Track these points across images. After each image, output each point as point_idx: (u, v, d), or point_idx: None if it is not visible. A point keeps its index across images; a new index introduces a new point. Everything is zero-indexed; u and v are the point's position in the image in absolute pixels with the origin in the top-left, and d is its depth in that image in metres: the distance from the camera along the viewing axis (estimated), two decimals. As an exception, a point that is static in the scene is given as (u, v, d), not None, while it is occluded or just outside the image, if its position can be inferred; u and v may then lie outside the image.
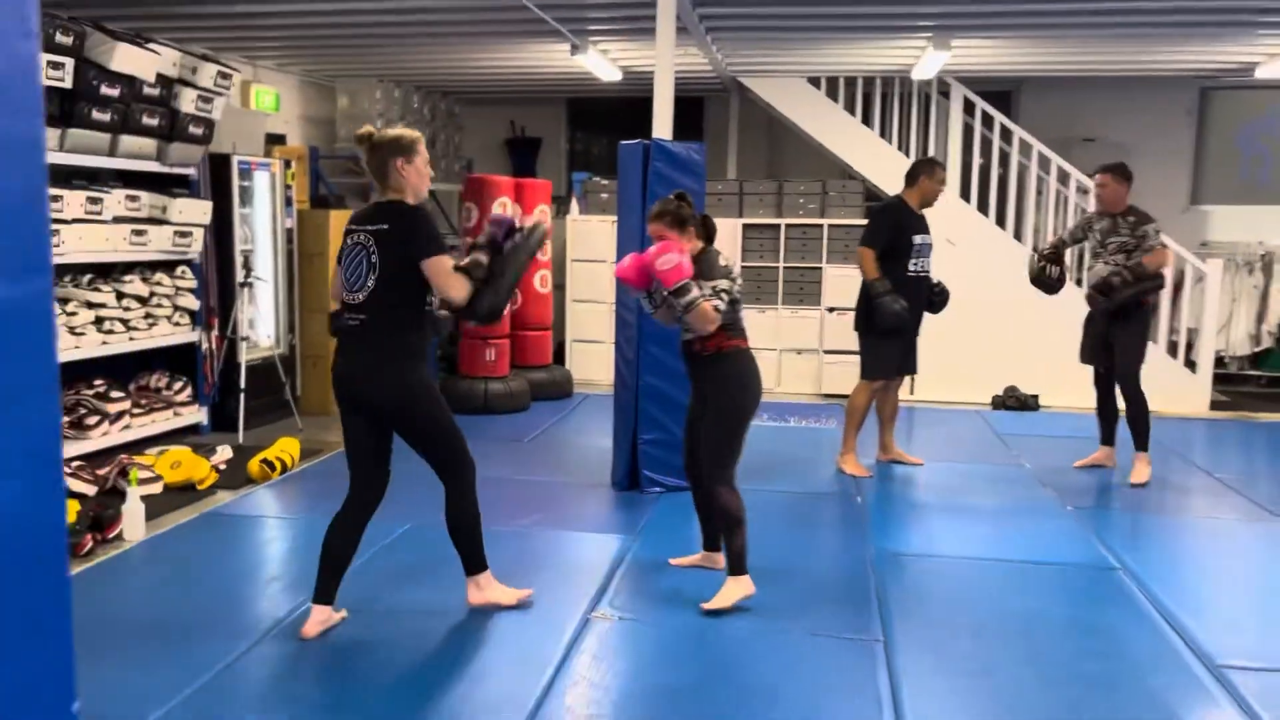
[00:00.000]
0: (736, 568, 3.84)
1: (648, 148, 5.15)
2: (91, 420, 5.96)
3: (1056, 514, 5.32)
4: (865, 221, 6.17)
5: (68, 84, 5.45)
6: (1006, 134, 8.81)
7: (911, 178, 5.97)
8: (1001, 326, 8.38)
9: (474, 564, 3.74)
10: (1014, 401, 8.35)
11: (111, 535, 4.58)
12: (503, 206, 7.73)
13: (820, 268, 8.77)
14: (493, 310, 3.53)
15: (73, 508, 4.92)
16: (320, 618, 3.56)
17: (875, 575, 4.28)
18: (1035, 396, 8.37)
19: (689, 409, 4.14)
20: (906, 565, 4.47)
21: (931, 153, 8.88)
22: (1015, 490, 5.78)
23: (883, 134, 8.88)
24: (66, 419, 5.98)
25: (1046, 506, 5.45)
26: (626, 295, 5.42)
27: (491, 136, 11.29)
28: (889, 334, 5.83)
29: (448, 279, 3.44)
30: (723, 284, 3.79)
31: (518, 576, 4.06)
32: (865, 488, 5.72)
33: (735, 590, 3.82)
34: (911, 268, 5.83)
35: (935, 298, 6.03)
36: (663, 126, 5.39)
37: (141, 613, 3.82)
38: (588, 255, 8.87)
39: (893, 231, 5.81)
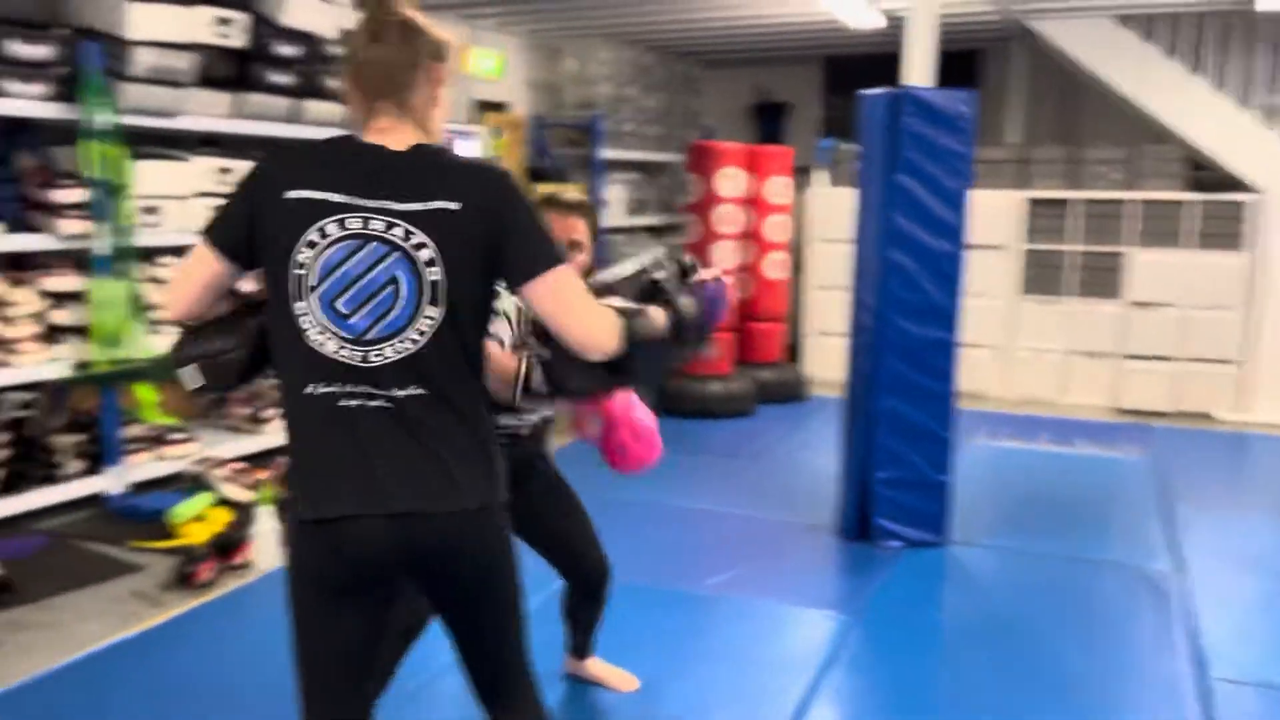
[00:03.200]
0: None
1: (897, 98, 3.91)
2: (268, 413, 5.48)
3: None
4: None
5: (240, 43, 4.90)
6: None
7: None
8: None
9: None
10: (1390, 432, 6.40)
11: (239, 562, 3.97)
12: (731, 180, 6.68)
13: (1120, 252, 7.10)
14: (636, 380, 2.04)
15: (221, 519, 4.39)
16: None
17: (1210, 721, 2.91)
18: None
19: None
20: (1263, 709, 3.04)
21: (1283, 107, 6.97)
22: None
23: (1218, 86, 7.06)
24: (246, 411, 5.55)
25: None
26: (864, 287, 4.25)
27: (736, 101, 10.23)
28: None
29: (589, 307, 1.77)
30: None
31: (682, 675, 3.03)
32: (1180, 556, 4.23)
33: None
34: None
35: None
36: (919, 70, 4.12)
37: (233, 674, 3.12)
38: (831, 234, 7.60)
39: None
